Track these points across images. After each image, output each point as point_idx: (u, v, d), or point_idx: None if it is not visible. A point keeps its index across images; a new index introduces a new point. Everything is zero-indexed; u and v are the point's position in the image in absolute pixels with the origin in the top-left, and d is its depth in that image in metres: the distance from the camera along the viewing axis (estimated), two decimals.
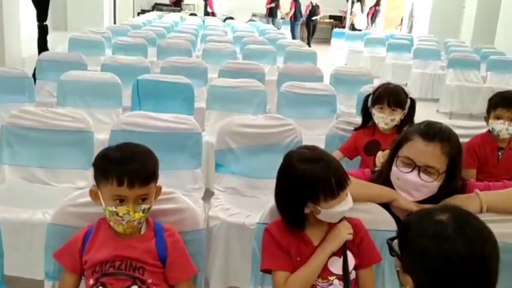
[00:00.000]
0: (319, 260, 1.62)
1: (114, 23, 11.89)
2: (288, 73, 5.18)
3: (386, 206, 1.86)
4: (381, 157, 2.24)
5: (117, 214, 1.50)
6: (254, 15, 16.84)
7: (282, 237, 1.65)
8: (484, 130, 2.93)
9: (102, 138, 3.09)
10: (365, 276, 1.71)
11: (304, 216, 1.64)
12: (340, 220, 1.69)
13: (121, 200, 1.50)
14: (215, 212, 2.62)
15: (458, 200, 1.80)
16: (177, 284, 1.64)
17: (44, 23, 5.58)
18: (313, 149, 1.68)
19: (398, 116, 2.70)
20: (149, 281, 1.57)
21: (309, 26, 16.02)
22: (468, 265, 1.10)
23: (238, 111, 4.00)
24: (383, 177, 1.90)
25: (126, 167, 1.50)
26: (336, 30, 13.42)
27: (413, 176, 1.77)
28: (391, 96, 2.72)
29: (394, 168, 1.83)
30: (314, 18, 15.87)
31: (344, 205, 1.62)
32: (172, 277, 1.62)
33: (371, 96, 2.81)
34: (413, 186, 1.79)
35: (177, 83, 4.17)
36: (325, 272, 1.64)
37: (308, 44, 15.08)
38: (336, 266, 1.65)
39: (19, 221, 2.40)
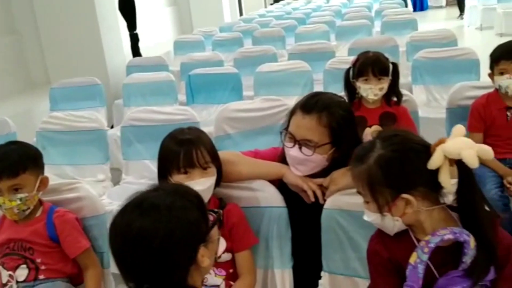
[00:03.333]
0: None
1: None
2: (356, 48, 4.99)
3: None
4: (369, 134, 2.14)
5: None
6: None
7: None
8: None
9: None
10: (241, 259, 1.75)
11: None
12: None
13: None
14: None
15: (336, 174, 1.70)
16: (74, 257, 1.84)
17: (134, 32, 6.15)
18: (189, 129, 1.77)
19: (385, 84, 2.53)
20: (38, 260, 1.80)
21: None
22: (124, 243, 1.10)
23: (284, 94, 4.01)
24: (283, 154, 1.86)
25: None
26: None
27: (295, 151, 1.72)
28: (375, 64, 2.55)
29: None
30: None
31: (194, 185, 1.65)
32: (68, 252, 1.84)
33: (351, 69, 2.66)
34: (296, 160, 1.74)
35: (224, 74, 4.34)
36: None
37: (460, 10, 13.73)
38: None
39: None
